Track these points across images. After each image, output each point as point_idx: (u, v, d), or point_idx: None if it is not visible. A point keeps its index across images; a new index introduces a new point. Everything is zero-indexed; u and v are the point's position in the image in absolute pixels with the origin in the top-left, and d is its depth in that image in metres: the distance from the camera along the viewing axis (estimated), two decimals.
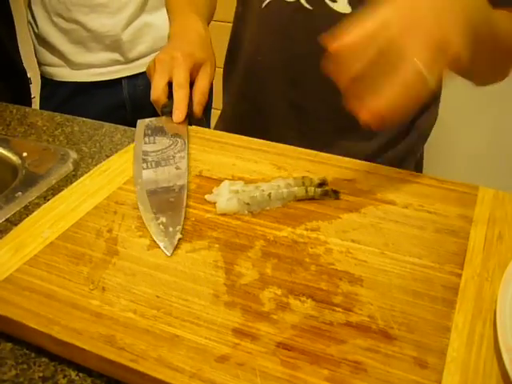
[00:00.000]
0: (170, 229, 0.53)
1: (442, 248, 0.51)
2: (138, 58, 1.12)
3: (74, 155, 0.70)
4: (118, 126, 0.79)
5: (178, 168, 0.61)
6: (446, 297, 0.46)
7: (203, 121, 0.74)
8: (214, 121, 1.19)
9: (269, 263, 0.49)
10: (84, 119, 0.82)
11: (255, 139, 0.70)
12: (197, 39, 0.76)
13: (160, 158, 0.63)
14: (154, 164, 0.62)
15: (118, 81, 1.13)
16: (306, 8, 0.75)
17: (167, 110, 0.70)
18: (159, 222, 0.54)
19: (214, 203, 0.57)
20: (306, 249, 0.51)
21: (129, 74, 1.13)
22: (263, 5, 0.78)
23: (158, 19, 1.11)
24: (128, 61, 1.11)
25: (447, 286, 0.47)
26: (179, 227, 0.53)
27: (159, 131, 0.68)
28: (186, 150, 0.65)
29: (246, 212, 0.56)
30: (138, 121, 0.71)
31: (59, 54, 1.12)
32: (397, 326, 0.43)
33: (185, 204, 0.56)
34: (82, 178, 0.62)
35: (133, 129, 0.78)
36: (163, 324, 0.43)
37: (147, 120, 0.71)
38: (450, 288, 0.47)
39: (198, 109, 0.72)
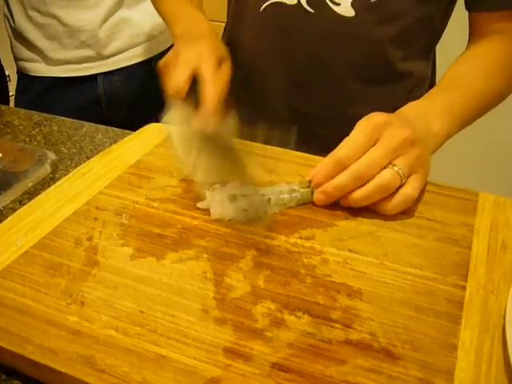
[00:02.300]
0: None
1: (444, 258, 0.49)
2: (114, 54, 1.09)
3: (52, 156, 0.66)
4: (99, 125, 0.76)
5: None
6: (451, 311, 0.43)
7: None
8: None
9: (261, 275, 0.46)
10: (63, 118, 0.78)
11: (243, 141, 0.66)
12: (213, 36, 0.74)
13: None
14: None
15: (94, 77, 1.10)
16: (307, 11, 0.72)
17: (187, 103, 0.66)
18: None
19: (204, 209, 0.53)
20: (301, 259, 0.48)
21: (105, 70, 1.10)
22: (261, 8, 0.75)
23: (136, 14, 1.08)
24: (103, 57, 1.08)
25: (451, 299, 0.44)
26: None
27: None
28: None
29: (243, 218, 0.52)
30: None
31: (36, 49, 1.09)
32: (400, 344, 0.40)
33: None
34: (60, 181, 0.58)
35: (115, 129, 0.74)
36: (148, 343, 0.39)
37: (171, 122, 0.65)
38: (454, 302, 0.44)
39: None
